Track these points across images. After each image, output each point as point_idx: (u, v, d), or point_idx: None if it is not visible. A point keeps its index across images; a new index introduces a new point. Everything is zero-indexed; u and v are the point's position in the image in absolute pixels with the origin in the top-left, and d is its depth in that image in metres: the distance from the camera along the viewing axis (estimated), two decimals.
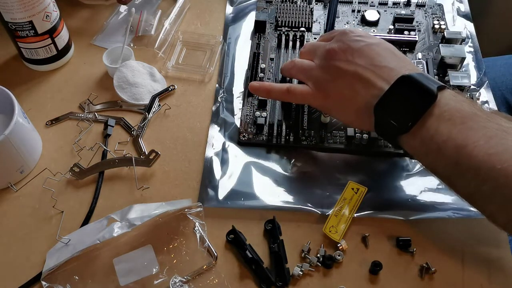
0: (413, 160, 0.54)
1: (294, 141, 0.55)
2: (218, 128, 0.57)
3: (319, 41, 0.54)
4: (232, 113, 0.58)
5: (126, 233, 0.47)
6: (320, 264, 0.47)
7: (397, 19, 0.66)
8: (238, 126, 0.57)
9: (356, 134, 0.55)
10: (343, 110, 0.50)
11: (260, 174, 0.53)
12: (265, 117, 0.57)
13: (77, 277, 0.46)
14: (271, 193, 0.52)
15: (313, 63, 0.51)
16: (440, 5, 0.68)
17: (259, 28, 0.65)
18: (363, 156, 0.55)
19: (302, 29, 0.65)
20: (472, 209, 0.50)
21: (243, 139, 0.55)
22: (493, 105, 0.58)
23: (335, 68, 0.49)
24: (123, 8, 0.70)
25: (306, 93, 0.51)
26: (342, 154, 0.55)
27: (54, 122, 0.58)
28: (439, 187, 0.52)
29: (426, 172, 0.53)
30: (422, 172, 0.53)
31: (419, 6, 0.68)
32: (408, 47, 0.63)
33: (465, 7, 0.69)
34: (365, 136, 0.54)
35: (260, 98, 0.58)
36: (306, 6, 0.67)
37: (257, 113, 0.57)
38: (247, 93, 0.59)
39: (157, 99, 0.59)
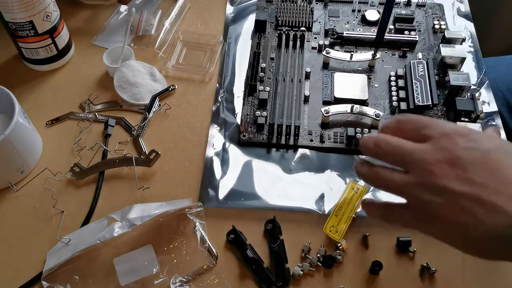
0: None
1: (294, 141, 0.55)
2: (218, 128, 0.57)
3: (401, 131, 0.41)
4: (232, 113, 0.58)
5: (126, 233, 0.47)
6: (320, 264, 0.47)
7: (397, 19, 0.66)
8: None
9: (357, 134, 0.55)
10: (454, 239, 0.39)
11: (261, 174, 0.53)
12: (266, 117, 0.57)
13: (77, 277, 0.47)
14: (271, 193, 0.52)
15: (407, 177, 0.38)
16: (440, 5, 0.68)
17: (259, 27, 0.65)
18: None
19: (303, 28, 0.65)
20: None
21: (244, 138, 0.55)
22: (493, 106, 0.58)
23: (442, 188, 0.36)
24: (123, 8, 0.70)
25: (404, 218, 0.40)
26: (343, 154, 0.55)
27: (54, 122, 0.58)
28: None
29: None
30: None
31: (419, 6, 0.68)
32: (408, 47, 0.63)
33: (465, 7, 0.69)
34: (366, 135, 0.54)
35: (260, 97, 0.58)
36: (306, 6, 0.67)
37: (258, 112, 0.57)
38: (248, 93, 0.59)
39: (157, 99, 0.59)
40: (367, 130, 0.55)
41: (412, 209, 0.40)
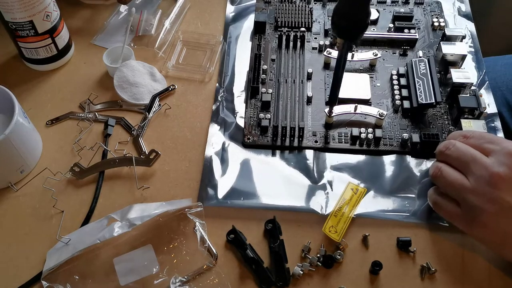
0: (414, 160, 0.54)
1: (299, 142, 0.55)
2: (218, 127, 0.57)
3: (467, 143, 0.46)
4: (232, 112, 0.58)
5: (126, 233, 0.47)
6: (320, 264, 0.47)
7: (396, 17, 0.66)
8: (240, 125, 0.57)
9: (361, 134, 0.55)
10: (497, 245, 0.44)
11: (260, 173, 0.53)
12: (269, 119, 0.56)
13: (77, 277, 0.46)
14: (271, 192, 0.52)
15: (466, 181, 0.43)
16: (439, 3, 0.68)
17: (259, 29, 0.65)
18: (366, 156, 0.54)
19: (302, 29, 0.65)
20: None
21: (248, 141, 0.55)
22: (493, 106, 0.58)
23: (500, 200, 0.41)
24: (123, 8, 0.70)
25: (453, 214, 0.45)
26: (345, 154, 0.55)
27: (54, 121, 0.58)
28: None
29: (427, 172, 0.53)
30: (424, 174, 0.53)
31: (418, 4, 0.68)
32: (408, 45, 0.63)
33: (466, 7, 0.69)
34: (370, 135, 0.54)
35: (263, 100, 0.57)
36: (305, 6, 0.67)
37: (261, 115, 0.57)
38: (250, 95, 0.59)
39: (157, 99, 0.59)
40: (371, 129, 0.55)
41: (463, 210, 0.43)
